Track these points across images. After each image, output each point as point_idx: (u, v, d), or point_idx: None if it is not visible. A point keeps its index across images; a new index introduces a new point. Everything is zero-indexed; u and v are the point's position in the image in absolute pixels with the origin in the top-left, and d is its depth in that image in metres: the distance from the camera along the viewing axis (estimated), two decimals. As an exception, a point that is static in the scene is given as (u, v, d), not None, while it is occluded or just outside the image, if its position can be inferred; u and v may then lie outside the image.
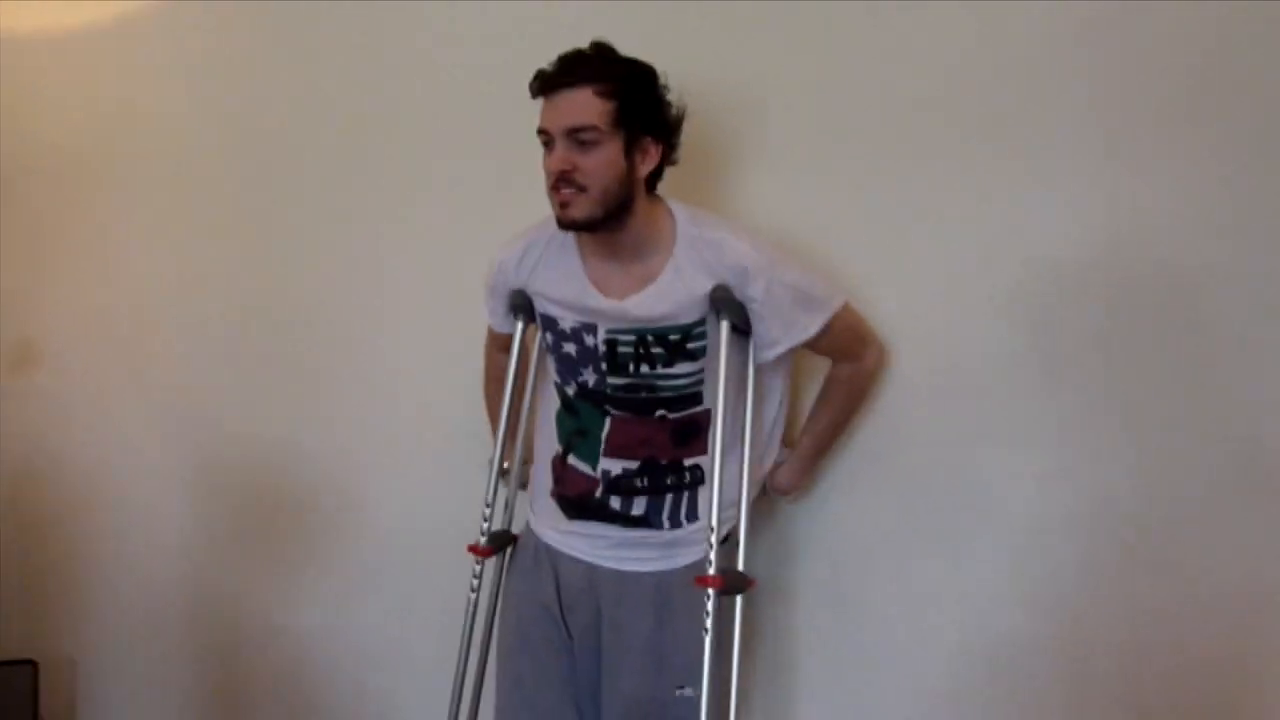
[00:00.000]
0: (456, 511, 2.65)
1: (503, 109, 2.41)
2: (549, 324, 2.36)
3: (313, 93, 2.84)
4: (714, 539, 2.14)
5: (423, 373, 2.85)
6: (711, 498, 2.18)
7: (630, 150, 2.12)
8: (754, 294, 2.18)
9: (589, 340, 2.28)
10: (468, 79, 2.70)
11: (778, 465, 2.42)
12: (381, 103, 2.77)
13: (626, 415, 2.30)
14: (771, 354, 2.25)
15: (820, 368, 2.44)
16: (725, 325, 2.19)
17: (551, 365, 2.41)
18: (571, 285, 2.29)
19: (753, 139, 2.49)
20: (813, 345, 2.27)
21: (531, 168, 2.20)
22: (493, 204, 2.66)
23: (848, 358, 2.33)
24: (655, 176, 2.22)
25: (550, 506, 2.42)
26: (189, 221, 2.97)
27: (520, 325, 2.44)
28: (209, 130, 2.90)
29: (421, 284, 2.83)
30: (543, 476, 2.44)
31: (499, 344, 2.47)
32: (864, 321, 2.36)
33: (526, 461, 2.50)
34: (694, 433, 2.29)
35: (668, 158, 2.21)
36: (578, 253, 2.29)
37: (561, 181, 2.10)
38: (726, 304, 2.18)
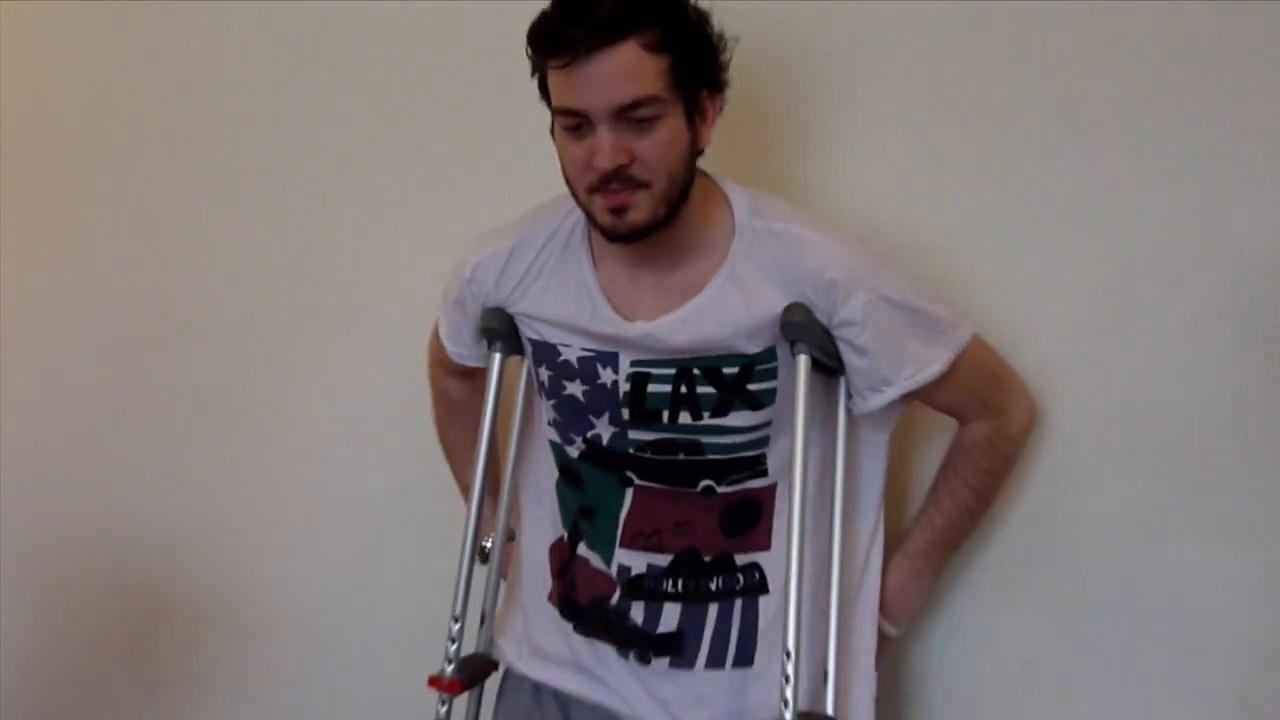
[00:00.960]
0: (409, 620, 2.07)
1: (464, 81, 2.07)
2: (544, 355, 1.73)
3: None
4: (791, 670, 1.55)
5: (354, 419, 2.24)
6: (788, 618, 1.56)
7: (691, 115, 1.56)
8: (849, 315, 1.59)
9: (604, 376, 1.68)
10: (400, 52, 2.15)
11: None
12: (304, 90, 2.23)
13: (656, 487, 1.70)
14: (874, 404, 1.65)
15: (930, 429, 1.82)
16: (804, 361, 1.59)
17: (546, 414, 1.76)
18: (579, 304, 1.69)
19: (829, 101, 1.89)
20: (931, 395, 1.68)
21: (494, 152, 1.96)
22: (450, 200, 2.12)
23: (982, 413, 1.72)
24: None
25: (547, 618, 1.81)
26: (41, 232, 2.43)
27: (498, 358, 1.78)
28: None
29: (356, 299, 2.22)
30: (532, 574, 1.83)
31: (452, 367, 1.89)
32: (1003, 361, 1.75)
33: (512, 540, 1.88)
34: (752, 516, 1.69)
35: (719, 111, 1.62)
36: (588, 257, 1.69)
37: (615, 180, 1.53)
38: (805, 330, 1.59)
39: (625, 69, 1.48)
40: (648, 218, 1.54)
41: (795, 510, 1.57)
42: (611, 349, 1.66)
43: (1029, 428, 1.75)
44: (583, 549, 1.75)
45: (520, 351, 1.77)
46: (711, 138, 1.59)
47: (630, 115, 1.49)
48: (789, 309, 1.58)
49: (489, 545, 1.85)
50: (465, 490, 1.89)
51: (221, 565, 2.33)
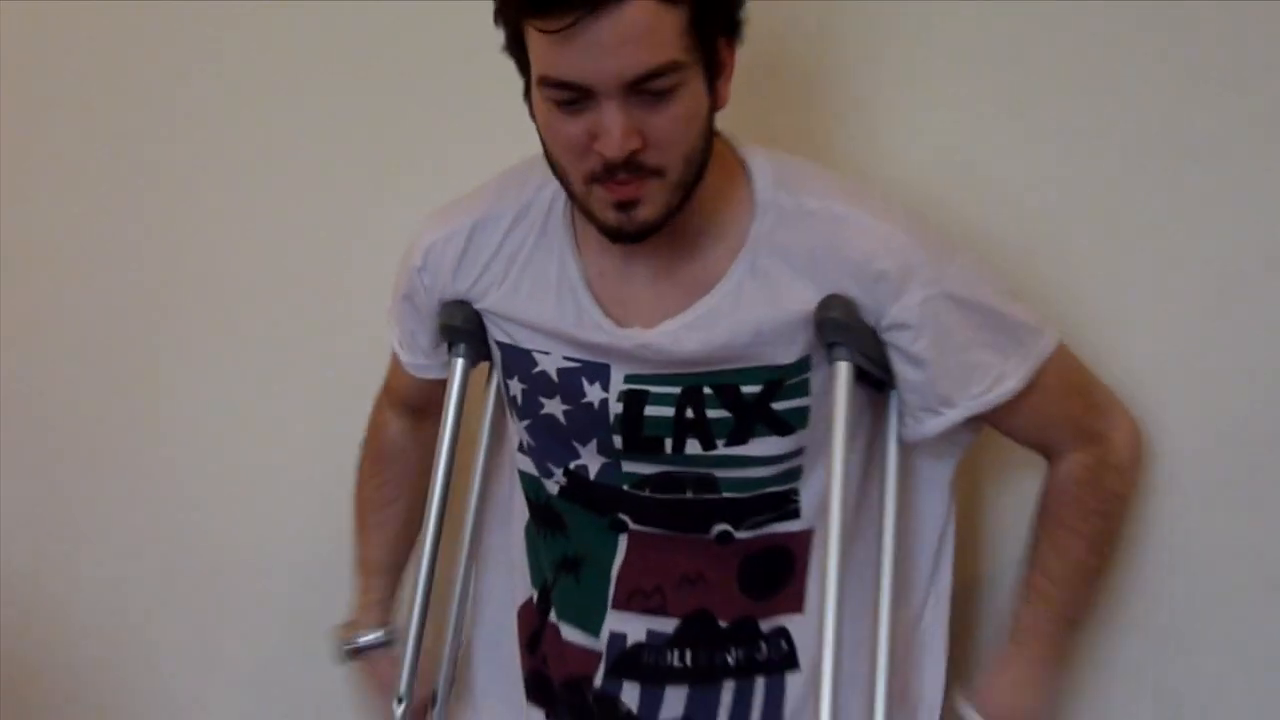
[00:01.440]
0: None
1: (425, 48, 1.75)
2: (516, 364, 1.40)
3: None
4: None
5: (273, 456, 1.90)
6: (820, 702, 1.23)
7: (711, 74, 1.24)
8: (902, 316, 1.28)
9: (591, 393, 1.35)
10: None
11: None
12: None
13: (658, 533, 1.37)
14: (931, 428, 1.33)
15: (1009, 460, 1.48)
16: (844, 370, 1.28)
17: (516, 438, 1.44)
18: (559, 303, 1.36)
19: (861, 42, 1.56)
20: (1007, 420, 1.35)
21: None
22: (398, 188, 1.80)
23: (1076, 442, 1.38)
24: None
25: (507, 707, 1.50)
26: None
27: (461, 365, 1.44)
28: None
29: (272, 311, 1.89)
30: (494, 645, 1.53)
31: (403, 396, 1.55)
32: (1093, 376, 1.41)
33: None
34: (782, 570, 1.36)
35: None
36: (570, 242, 1.36)
37: (624, 169, 1.21)
38: (846, 331, 1.27)
39: (638, 30, 1.15)
40: (661, 212, 1.23)
41: (831, 562, 1.24)
42: (601, 360, 1.33)
43: (1138, 454, 1.41)
44: (556, 616, 1.42)
45: (489, 357, 1.43)
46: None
47: (645, 88, 1.17)
48: (826, 302, 1.27)
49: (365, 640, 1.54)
50: (364, 567, 1.57)
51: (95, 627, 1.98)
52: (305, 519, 1.88)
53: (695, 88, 1.20)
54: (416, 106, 1.75)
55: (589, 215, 1.25)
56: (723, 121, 1.29)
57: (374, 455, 1.57)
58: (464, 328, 1.39)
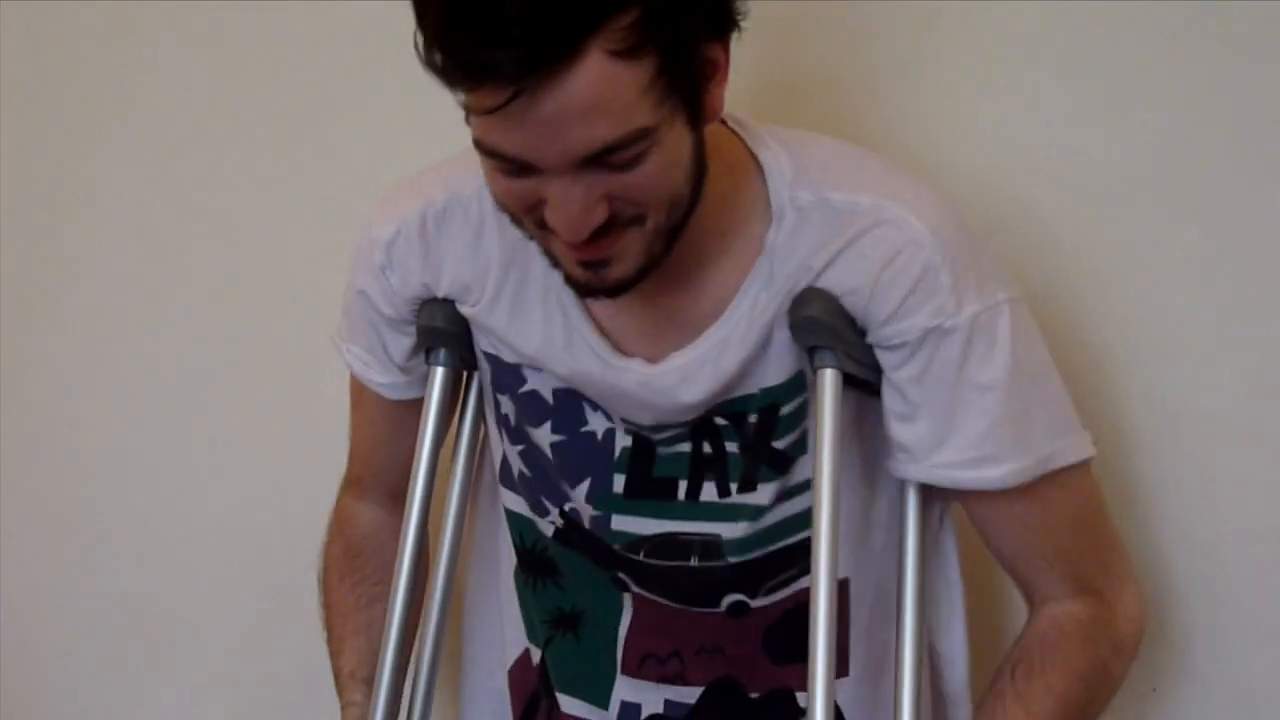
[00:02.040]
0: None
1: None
2: (503, 379, 1.17)
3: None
4: None
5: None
6: None
7: (695, 109, 0.99)
8: (900, 335, 1.05)
9: (594, 421, 1.15)
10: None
11: None
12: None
13: (663, 602, 1.17)
14: (899, 472, 1.10)
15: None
16: (830, 379, 1.06)
17: (501, 468, 1.22)
18: (545, 320, 1.13)
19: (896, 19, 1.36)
20: (985, 520, 1.12)
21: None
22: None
23: (1066, 589, 1.12)
24: None
25: None
26: None
27: (442, 374, 1.19)
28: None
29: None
30: (484, 713, 1.29)
31: (374, 474, 1.29)
32: (1114, 527, 1.16)
33: None
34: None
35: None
36: None
37: (598, 236, 0.98)
38: (826, 331, 1.06)
39: (590, 101, 0.91)
40: (639, 265, 1.00)
41: (820, 611, 1.03)
42: (598, 396, 1.12)
43: (1139, 636, 1.15)
44: (555, 683, 1.21)
45: (474, 366, 1.20)
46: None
47: (605, 162, 0.94)
48: (801, 298, 1.05)
49: None
50: (348, 681, 1.25)
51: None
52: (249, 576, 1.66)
53: (671, 139, 0.97)
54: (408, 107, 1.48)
55: (550, 260, 1.03)
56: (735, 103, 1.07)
57: (344, 553, 1.30)
58: (447, 330, 1.15)
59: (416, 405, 1.20)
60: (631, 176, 0.95)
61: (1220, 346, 1.28)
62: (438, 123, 1.24)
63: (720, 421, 1.09)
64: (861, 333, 1.06)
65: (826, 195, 1.06)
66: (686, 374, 1.07)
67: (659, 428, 1.10)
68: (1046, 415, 1.07)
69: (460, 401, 1.24)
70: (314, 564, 1.33)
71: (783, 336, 1.07)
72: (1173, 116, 1.29)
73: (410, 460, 1.20)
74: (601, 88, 0.91)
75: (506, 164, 0.96)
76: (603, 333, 1.10)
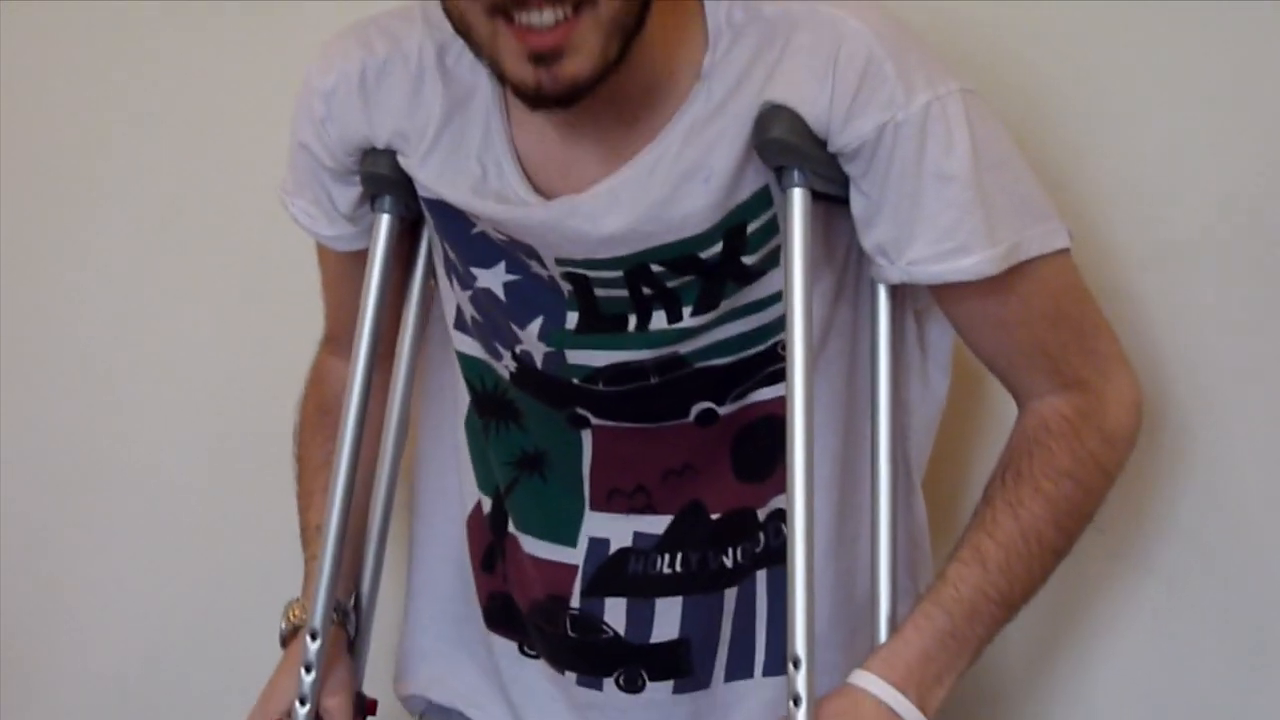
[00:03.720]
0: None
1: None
2: (449, 223, 1.15)
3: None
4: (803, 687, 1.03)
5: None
6: (793, 601, 1.04)
7: None
8: (852, 139, 1.03)
9: (535, 269, 1.12)
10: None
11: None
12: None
13: (627, 426, 1.15)
14: (878, 274, 1.09)
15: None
16: (799, 197, 1.04)
17: (453, 312, 1.20)
18: (484, 171, 1.10)
19: None
20: (963, 320, 1.11)
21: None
22: None
23: (1053, 383, 1.12)
24: None
25: (460, 641, 1.28)
26: None
27: (387, 221, 1.17)
28: None
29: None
30: (433, 571, 1.29)
31: (346, 328, 1.22)
32: (1099, 309, 1.14)
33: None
34: (779, 443, 1.06)
35: None
36: (499, 97, 1.10)
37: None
38: (791, 150, 1.02)
39: None
40: (595, 63, 0.97)
41: (798, 427, 1.02)
42: (524, 240, 1.09)
43: (1133, 426, 1.14)
44: (516, 527, 1.19)
45: (419, 214, 1.17)
46: None
47: None
48: (764, 118, 1.02)
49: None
50: (315, 535, 1.24)
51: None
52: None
53: None
54: None
55: (498, 74, 0.99)
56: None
57: (317, 409, 1.29)
58: (390, 177, 1.12)
59: (360, 266, 1.17)
60: None
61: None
62: None
63: (656, 268, 1.07)
64: (823, 145, 1.03)
65: (762, 10, 1.04)
66: (612, 198, 1.04)
67: (592, 264, 1.08)
68: (1014, 203, 1.05)
69: (409, 252, 1.20)
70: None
71: (728, 167, 1.04)
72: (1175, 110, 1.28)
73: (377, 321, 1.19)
74: None
75: None
76: (531, 183, 1.08)
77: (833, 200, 1.06)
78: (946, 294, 1.07)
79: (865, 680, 1.04)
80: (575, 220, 1.05)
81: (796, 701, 1.01)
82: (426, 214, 1.16)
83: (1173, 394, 1.29)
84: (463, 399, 1.21)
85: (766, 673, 1.15)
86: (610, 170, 1.05)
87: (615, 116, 1.04)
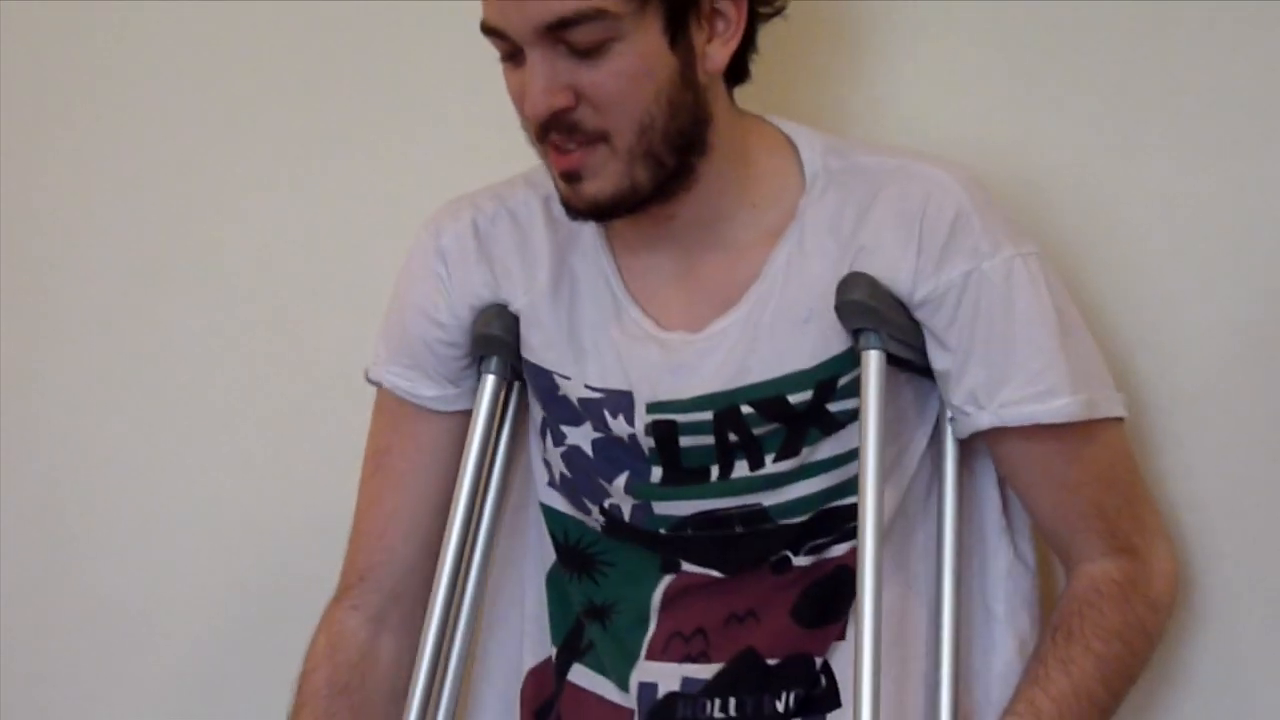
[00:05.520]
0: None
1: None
2: (540, 383, 1.24)
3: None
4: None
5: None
6: None
7: (678, 29, 1.09)
8: (941, 286, 1.12)
9: (616, 426, 1.19)
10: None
11: None
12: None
13: (710, 572, 1.18)
14: (963, 429, 1.16)
15: None
16: (875, 360, 1.11)
17: (546, 468, 1.26)
18: (598, 302, 1.21)
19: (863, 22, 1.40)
20: (1033, 478, 1.17)
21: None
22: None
23: (1105, 547, 1.18)
24: (738, 66, 1.18)
25: None
26: None
27: (493, 382, 1.25)
28: None
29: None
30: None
31: (376, 561, 1.28)
32: (1146, 486, 1.24)
33: None
34: (842, 600, 1.16)
35: (759, 16, 1.17)
36: (602, 238, 1.21)
37: (556, 130, 1.09)
38: (870, 313, 1.11)
39: None
40: (613, 188, 1.10)
41: (867, 582, 1.08)
42: (624, 388, 1.18)
43: (1174, 592, 1.21)
44: (579, 672, 1.23)
45: (521, 377, 1.26)
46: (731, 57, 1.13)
47: (566, 39, 1.06)
48: (846, 282, 1.11)
49: None
50: None
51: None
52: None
53: (642, 42, 1.07)
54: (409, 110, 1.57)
55: (556, 187, 1.14)
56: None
57: (327, 685, 1.25)
58: (502, 338, 1.21)
59: (456, 429, 1.25)
60: (596, 73, 1.06)
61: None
62: (441, 126, 1.43)
63: (746, 410, 1.14)
64: (905, 309, 1.12)
65: (855, 159, 1.16)
66: (723, 336, 1.14)
67: (687, 406, 1.15)
68: (1086, 364, 1.15)
69: (502, 415, 1.27)
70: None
71: (822, 311, 1.13)
72: (1168, 112, 1.34)
73: (424, 537, 1.25)
74: None
75: (499, 42, 1.09)
76: (645, 310, 1.18)
77: (905, 368, 1.15)
78: (1019, 446, 1.14)
79: None
80: (687, 355, 1.15)
81: None
82: (526, 374, 1.24)
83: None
84: (548, 555, 1.26)
85: None
86: (716, 308, 1.16)
87: (713, 258, 1.16)
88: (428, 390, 1.25)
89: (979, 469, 1.21)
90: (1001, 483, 1.21)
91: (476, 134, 1.39)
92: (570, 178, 1.10)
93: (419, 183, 1.45)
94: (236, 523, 1.59)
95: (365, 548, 1.28)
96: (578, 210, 1.12)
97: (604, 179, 1.09)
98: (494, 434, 1.25)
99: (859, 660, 1.07)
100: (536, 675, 1.27)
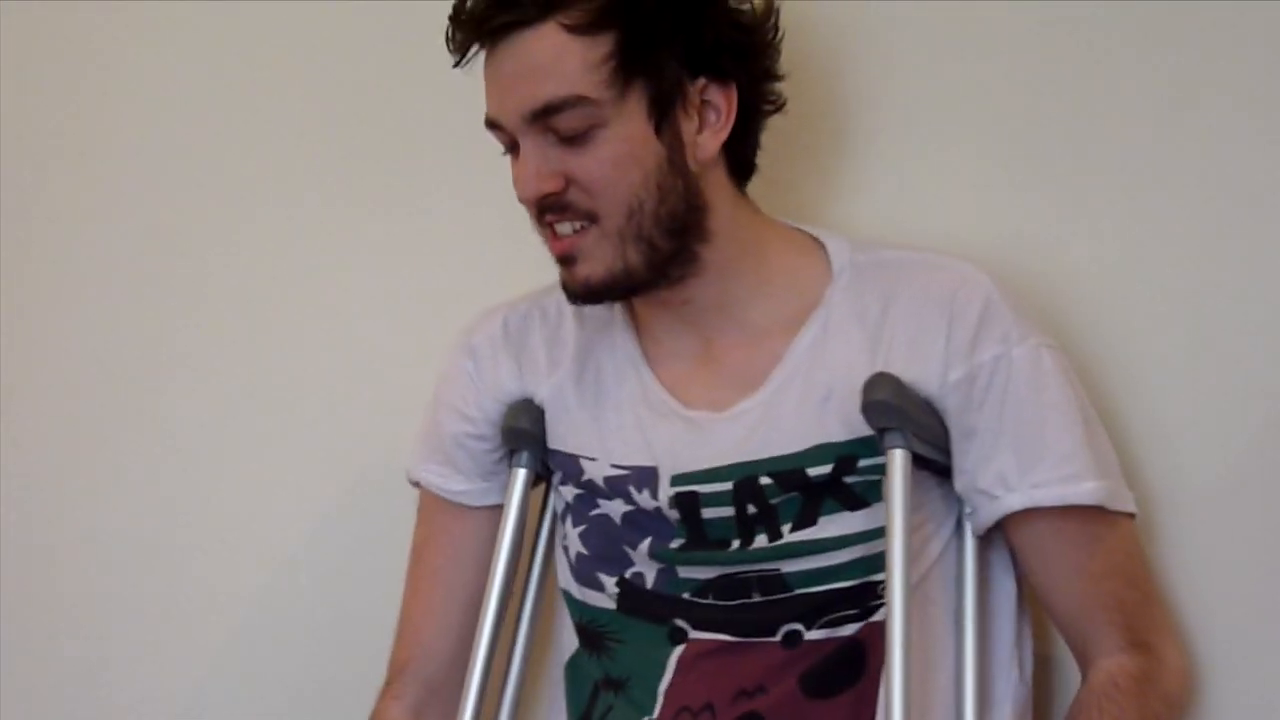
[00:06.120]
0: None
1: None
2: (566, 469, 1.29)
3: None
4: None
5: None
6: None
7: (662, 117, 1.15)
8: (971, 369, 1.16)
9: (642, 500, 1.23)
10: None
11: None
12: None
13: (718, 641, 1.21)
14: (988, 516, 1.18)
15: None
16: (900, 459, 1.14)
17: (566, 554, 1.30)
18: (622, 383, 1.27)
19: (830, 110, 1.42)
20: (1056, 566, 1.19)
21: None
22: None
23: (1120, 641, 1.20)
24: (741, 160, 1.24)
25: None
26: None
27: (522, 476, 1.31)
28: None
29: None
30: None
31: (422, 648, 1.34)
32: (1158, 587, 1.27)
33: None
34: (851, 671, 1.18)
35: (759, 111, 1.23)
36: (625, 320, 1.29)
37: (549, 211, 1.17)
38: (896, 413, 1.14)
39: (536, 62, 1.12)
40: (605, 269, 1.16)
41: (896, 687, 1.10)
42: (647, 461, 1.23)
43: (1188, 689, 1.24)
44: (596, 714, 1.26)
45: (547, 473, 1.33)
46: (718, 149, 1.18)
47: (553, 127, 1.13)
48: (872, 383, 1.15)
49: None
50: None
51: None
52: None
53: (625, 129, 1.14)
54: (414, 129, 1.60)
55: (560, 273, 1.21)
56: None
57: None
58: (530, 431, 1.28)
59: (489, 524, 1.30)
60: (584, 158, 1.13)
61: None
62: (442, 128, 1.48)
63: (765, 481, 1.18)
64: (930, 409, 1.16)
65: (881, 254, 1.23)
66: (745, 415, 1.19)
67: (709, 477, 1.19)
68: (1108, 455, 1.19)
69: (541, 512, 1.34)
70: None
71: (847, 396, 1.16)
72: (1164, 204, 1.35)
73: (459, 631, 1.30)
74: (551, 54, 1.12)
75: (497, 133, 1.16)
76: (670, 391, 1.23)
77: (927, 468, 1.19)
78: (1046, 530, 1.17)
79: None
80: (710, 430, 1.20)
81: None
82: (553, 464, 1.29)
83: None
84: (568, 645, 1.29)
85: None
86: (739, 390, 1.21)
87: (737, 345, 1.22)
88: (459, 485, 1.32)
89: (995, 577, 1.23)
90: (1019, 587, 1.24)
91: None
92: (565, 260, 1.17)
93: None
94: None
95: (405, 641, 1.33)
96: (574, 292, 1.18)
97: (596, 261, 1.15)
98: (528, 528, 1.31)
99: None
100: None
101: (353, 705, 1.35)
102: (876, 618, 1.16)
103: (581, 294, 1.18)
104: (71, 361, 1.69)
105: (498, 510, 1.30)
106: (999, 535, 1.21)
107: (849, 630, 1.18)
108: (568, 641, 1.30)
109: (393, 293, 1.56)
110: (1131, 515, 1.20)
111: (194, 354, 1.64)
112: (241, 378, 1.62)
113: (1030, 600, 1.25)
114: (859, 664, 1.17)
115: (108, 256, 1.68)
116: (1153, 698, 1.18)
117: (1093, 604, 1.20)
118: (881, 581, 1.15)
